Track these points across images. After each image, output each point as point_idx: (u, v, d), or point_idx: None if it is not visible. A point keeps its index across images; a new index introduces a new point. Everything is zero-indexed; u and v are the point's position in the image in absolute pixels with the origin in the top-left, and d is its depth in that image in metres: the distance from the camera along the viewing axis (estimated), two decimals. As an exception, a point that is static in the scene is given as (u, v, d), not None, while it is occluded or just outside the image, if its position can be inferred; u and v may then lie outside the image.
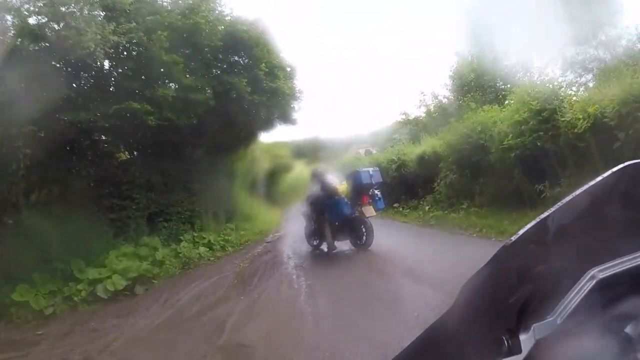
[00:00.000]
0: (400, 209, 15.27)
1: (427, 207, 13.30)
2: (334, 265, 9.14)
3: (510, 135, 9.94)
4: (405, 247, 10.11)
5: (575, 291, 0.75)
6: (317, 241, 10.51)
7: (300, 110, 14.80)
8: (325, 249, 9.97)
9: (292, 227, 13.80)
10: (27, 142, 8.79)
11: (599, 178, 0.82)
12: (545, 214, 0.83)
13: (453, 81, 17.74)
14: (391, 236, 10.88)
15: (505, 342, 0.77)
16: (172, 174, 12.24)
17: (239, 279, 9.05)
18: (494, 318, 0.85)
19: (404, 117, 20.38)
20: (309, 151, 20.21)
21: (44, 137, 9.12)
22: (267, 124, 14.69)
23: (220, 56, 12.02)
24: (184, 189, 12.51)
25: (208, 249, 11.67)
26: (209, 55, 11.70)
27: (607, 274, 0.75)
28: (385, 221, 12.24)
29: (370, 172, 9.84)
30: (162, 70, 10.79)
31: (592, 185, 0.82)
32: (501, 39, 13.46)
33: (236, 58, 12.33)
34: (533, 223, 0.83)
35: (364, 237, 9.53)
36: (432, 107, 18.85)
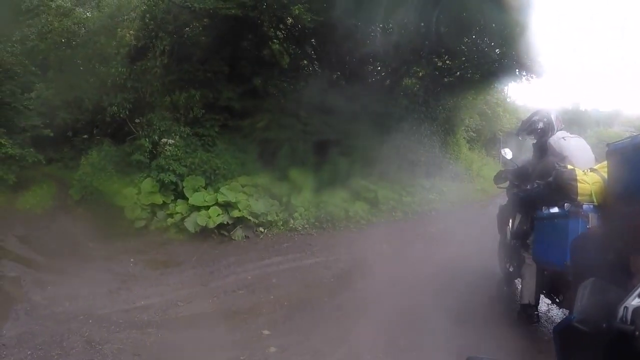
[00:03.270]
0: None
1: None
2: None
3: None
4: None
5: None
6: (514, 269, 4.64)
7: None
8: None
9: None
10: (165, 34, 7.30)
11: None
12: None
13: None
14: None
15: None
16: (360, 102, 8.80)
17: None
18: None
19: None
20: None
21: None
22: (506, 69, 9.40)
23: None
24: (374, 123, 8.86)
25: (370, 207, 7.80)
26: None
27: None
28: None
29: None
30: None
31: None
32: None
33: None
34: None
35: None
36: None
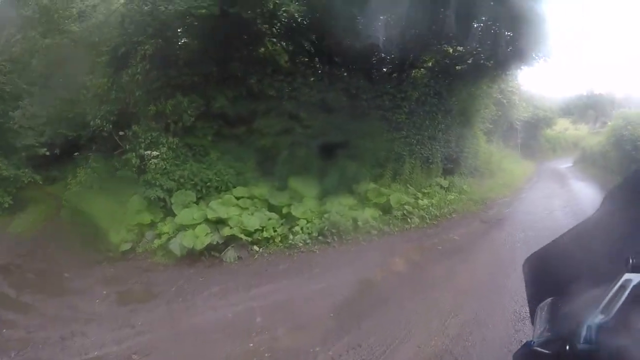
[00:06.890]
0: None
1: None
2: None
3: None
4: None
5: None
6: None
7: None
8: None
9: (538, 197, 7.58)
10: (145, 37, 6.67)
11: None
12: None
13: None
14: None
15: (631, 260, 0.97)
16: (365, 98, 7.98)
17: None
18: (625, 235, 1.09)
19: None
20: (576, 108, 18.92)
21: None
22: (519, 52, 8.51)
23: None
24: (382, 119, 8.00)
25: (381, 214, 6.90)
26: None
27: None
28: None
29: None
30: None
31: None
32: None
33: None
34: None
35: None
36: None
